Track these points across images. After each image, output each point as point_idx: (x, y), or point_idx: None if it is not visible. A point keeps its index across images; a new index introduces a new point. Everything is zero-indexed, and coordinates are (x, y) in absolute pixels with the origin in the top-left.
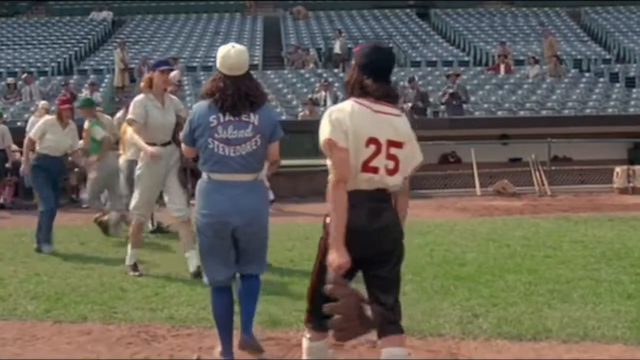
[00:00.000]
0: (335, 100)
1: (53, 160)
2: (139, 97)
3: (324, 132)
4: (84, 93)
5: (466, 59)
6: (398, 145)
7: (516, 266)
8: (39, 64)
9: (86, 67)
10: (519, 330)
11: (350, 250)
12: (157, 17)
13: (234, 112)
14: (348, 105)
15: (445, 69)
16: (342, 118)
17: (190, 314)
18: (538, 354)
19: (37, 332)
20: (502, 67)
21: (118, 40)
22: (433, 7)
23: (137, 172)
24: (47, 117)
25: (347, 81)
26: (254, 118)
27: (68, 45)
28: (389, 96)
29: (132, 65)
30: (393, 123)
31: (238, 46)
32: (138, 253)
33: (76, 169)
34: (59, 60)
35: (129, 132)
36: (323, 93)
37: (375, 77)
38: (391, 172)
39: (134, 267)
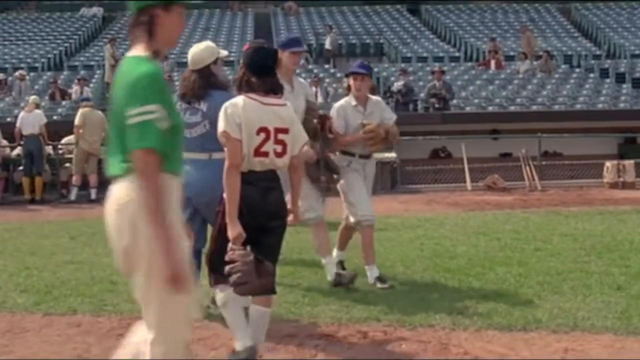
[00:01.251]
0: (326, 96)
1: None
2: None
3: (220, 125)
4: (74, 89)
5: (457, 54)
6: (284, 131)
7: (506, 259)
8: (29, 60)
9: (76, 63)
10: (509, 321)
11: (246, 219)
12: None
13: (185, 100)
14: (240, 100)
15: (436, 64)
16: (235, 112)
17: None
18: (528, 343)
19: (27, 324)
20: (492, 62)
21: (108, 36)
22: (424, 3)
23: None
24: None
25: (236, 79)
26: (202, 105)
27: (58, 41)
28: (273, 90)
29: None
30: (279, 113)
31: (199, 45)
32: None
33: (67, 165)
34: (49, 56)
35: None
36: (314, 88)
37: (258, 74)
38: (280, 154)
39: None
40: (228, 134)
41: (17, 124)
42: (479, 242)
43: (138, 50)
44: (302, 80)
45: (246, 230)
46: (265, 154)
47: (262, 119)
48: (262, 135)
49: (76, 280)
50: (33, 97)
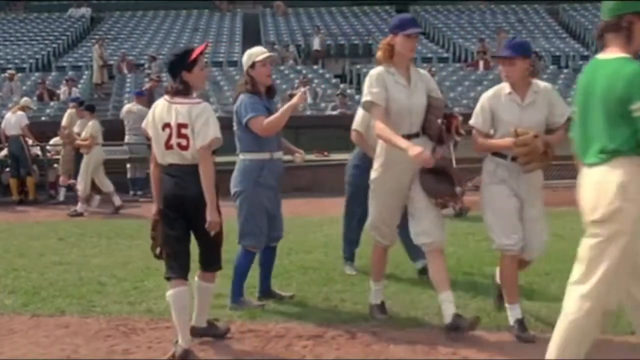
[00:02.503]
0: (315, 97)
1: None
2: (376, 70)
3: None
4: (62, 90)
5: (445, 55)
6: (184, 126)
7: (494, 259)
8: (16, 61)
9: (64, 64)
10: (497, 321)
11: (167, 206)
12: (136, 13)
13: None
14: (158, 101)
15: (425, 65)
16: (151, 112)
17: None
18: (516, 342)
19: (15, 325)
20: (481, 63)
21: (97, 36)
22: (412, 4)
23: (371, 177)
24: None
25: None
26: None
27: (46, 41)
28: (179, 91)
29: (111, 62)
30: (181, 110)
31: None
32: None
33: (55, 165)
34: (37, 56)
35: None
36: (302, 89)
37: (172, 77)
38: (184, 147)
39: (380, 307)
40: (145, 130)
41: (2, 125)
42: (468, 243)
43: (615, 52)
44: (422, 71)
45: (171, 215)
46: (171, 147)
47: (165, 117)
48: (167, 131)
49: (64, 281)
50: (24, 99)
